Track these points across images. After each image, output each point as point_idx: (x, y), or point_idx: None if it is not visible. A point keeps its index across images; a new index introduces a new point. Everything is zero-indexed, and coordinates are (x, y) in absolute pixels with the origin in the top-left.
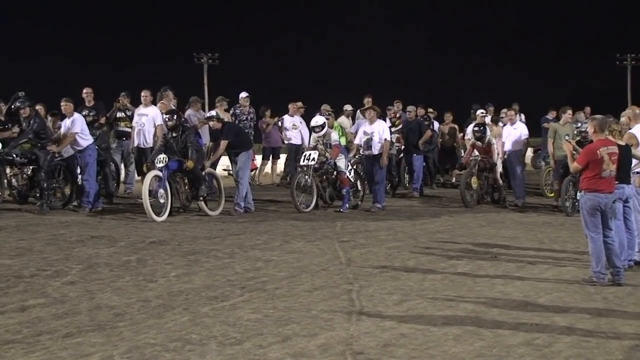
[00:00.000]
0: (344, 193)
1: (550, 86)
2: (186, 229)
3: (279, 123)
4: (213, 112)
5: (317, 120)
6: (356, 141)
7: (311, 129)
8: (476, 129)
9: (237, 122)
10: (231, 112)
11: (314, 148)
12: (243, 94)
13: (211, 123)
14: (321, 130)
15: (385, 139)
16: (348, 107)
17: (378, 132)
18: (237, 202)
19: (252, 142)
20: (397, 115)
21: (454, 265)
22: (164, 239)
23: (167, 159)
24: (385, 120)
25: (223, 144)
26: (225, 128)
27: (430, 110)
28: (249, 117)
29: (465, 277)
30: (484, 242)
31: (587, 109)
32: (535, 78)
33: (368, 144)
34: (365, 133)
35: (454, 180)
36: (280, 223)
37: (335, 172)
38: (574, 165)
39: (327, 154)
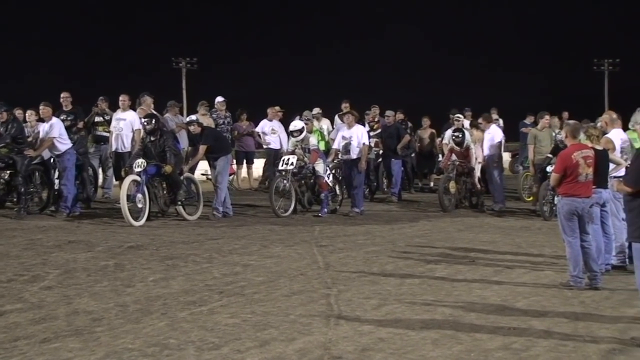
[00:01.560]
0: (322, 197)
1: (529, 91)
2: (164, 233)
3: (252, 129)
4: (193, 117)
5: (296, 124)
6: (335, 146)
7: (290, 134)
8: (455, 133)
9: (214, 126)
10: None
11: (293, 152)
12: (219, 99)
13: (191, 127)
14: (300, 134)
15: (364, 144)
16: (315, 111)
17: (356, 136)
18: (216, 206)
19: (230, 147)
20: (376, 120)
21: (432, 270)
22: (142, 244)
23: (145, 164)
24: (363, 125)
25: (202, 148)
26: (204, 133)
27: (401, 117)
28: (225, 122)
29: (443, 282)
30: (462, 246)
31: (565, 114)
32: (515, 83)
33: (346, 148)
34: (343, 137)
35: (432, 184)
36: (259, 227)
37: (313, 177)
38: (553, 177)
39: (305, 159)
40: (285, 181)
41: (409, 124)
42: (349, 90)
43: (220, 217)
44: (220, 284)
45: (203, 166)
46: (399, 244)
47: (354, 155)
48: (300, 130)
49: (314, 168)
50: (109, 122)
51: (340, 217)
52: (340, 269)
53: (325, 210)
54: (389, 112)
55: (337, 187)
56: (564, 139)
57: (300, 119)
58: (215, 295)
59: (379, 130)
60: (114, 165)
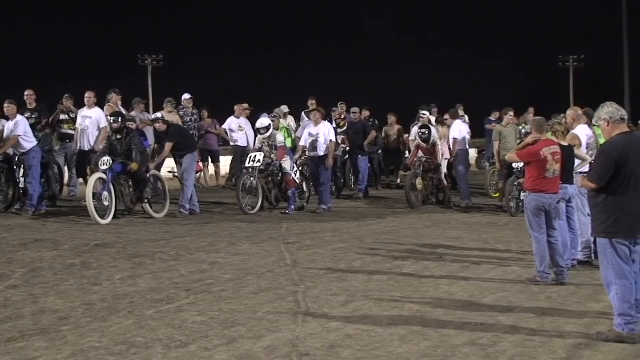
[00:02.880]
0: (289, 195)
1: (493, 87)
2: (131, 231)
3: (216, 127)
4: (158, 114)
5: (263, 122)
6: (301, 143)
7: (256, 131)
8: (422, 130)
9: (181, 123)
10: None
11: (260, 150)
12: (186, 96)
13: (156, 125)
14: (267, 132)
15: (331, 140)
16: (284, 108)
17: (323, 133)
18: (182, 204)
19: (197, 144)
20: (342, 117)
21: (399, 266)
22: (109, 242)
23: (111, 161)
24: (330, 122)
25: (168, 145)
26: (170, 130)
27: (367, 114)
28: (192, 119)
29: (410, 278)
30: (429, 242)
31: (531, 110)
32: (480, 79)
33: (313, 145)
34: (310, 135)
35: (399, 181)
36: (226, 225)
37: (280, 174)
38: (511, 156)
39: (272, 156)
40: (252, 178)
41: (376, 121)
42: (315, 88)
43: (187, 215)
44: (188, 281)
45: (170, 164)
46: (366, 241)
47: (321, 152)
48: (267, 128)
49: (281, 165)
50: (74, 120)
51: (308, 214)
52: (308, 266)
53: (293, 207)
54: (354, 109)
55: (304, 184)
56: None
57: (269, 116)
58: (183, 293)
59: (345, 127)
60: (77, 163)
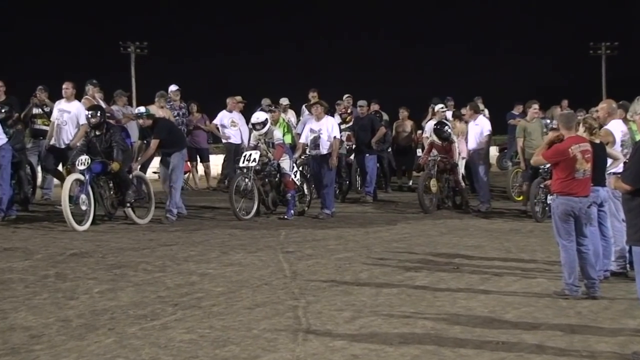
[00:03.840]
0: (288, 198)
1: (516, 78)
2: (111, 239)
3: (206, 122)
4: (142, 109)
5: (259, 116)
6: (302, 140)
7: (251, 126)
8: (437, 126)
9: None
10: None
11: (255, 147)
12: (173, 87)
13: (140, 121)
14: (263, 127)
15: (335, 137)
16: (284, 101)
17: (326, 129)
18: (170, 208)
19: (186, 141)
20: (348, 111)
21: (411, 278)
22: (87, 251)
23: (89, 161)
24: (334, 117)
25: (154, 143)
26: (156, 125)
27: (376, 108)
28: (180, 113)
29: (424, 291)
30: (444, 251)
31: (564, 102)
32: (500, 69)
33: (315, 142)
34: (311, 131)
35: (410, 183)
36: (218, 232)
37: (278, 175)
38: (537, 158)
39: (269, 155)
40: (246, 180)
41: (385, 116)
42: (318, 79)
43: (174, 221)
44: (175, 295)
45: (156, 164)
46: (374, 250)
47: (323, 150)
48: (264, 123)
49: (279, 165)
50: (48, 115)
51: (309, 220)
52: (309, 277)
53: (292, 212)
54: (361, 102)
55: (304, 186)
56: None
57: (267, 106)
58: (169, 308)
59: (351, 123)
60: (44, 159)
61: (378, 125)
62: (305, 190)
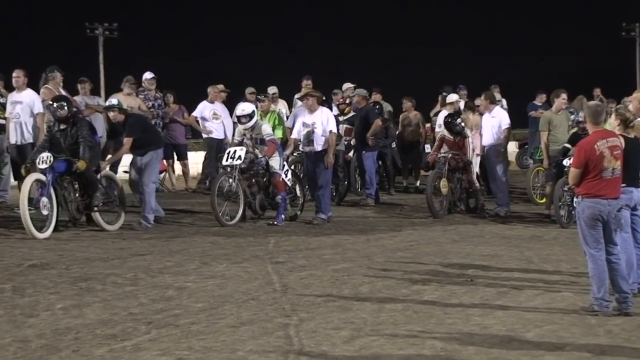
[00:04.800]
0: (278, 201)
1: (538, 64)
2: (76, 248)
3: (184, 115)
4: (114, 100)
5: (244, 107)
6: (293, 135)
7: (236, 119)
8: (448, 119)
9: (143, 109)
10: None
11: (240, 143)
12: (148, 75)
13: (111, 114)
14: (249, 120)
15: (331, 132)
16: (272, 90)
17: (321, 122)
18: (145, 214)
19: (162, 139)
20: (346, 102)
21: (418, 292)
22: (48, 262)
23: (52, 159)
24: (330, 109)
25: (127, 141)
26: (129, 121)
27: (378, 98)
28: (155, 104)
29: (433, 307)
30: (456, 262)
31: (597, 91)
32: (520, 55)
33: (309, 138)
34: (304, 125)
35: (418, 183)
36: (198, 240)
37: (267, 174)
38: (571, 173)
39: (256, 151)
40: (230, 180)
41: (388, 107)
42: (313, 66)
43: (149, 228)
44: (149, 312)
45: (127, 162)
46: (376, 260)
47: (318, 147)
48: (250, 115)
49: (267, 163)
50: (4, 106)
51: (302, 226)
52: (302, 291)
53: (282, 216)
54: (359, 91)
55: (297, 187)
56: (584, 124)
57: (247, 101)
58: (142, 327)
59: (350, 115)
60: (13, 162)
61: (373, 117)
62: (298, 192)
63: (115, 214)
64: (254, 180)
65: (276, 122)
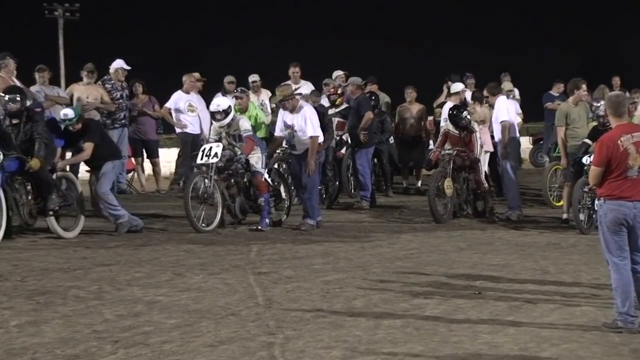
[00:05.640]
0: (261, 203)
1: (556, 49)
2: (33, 257)
3: (154, 107)
4: (69, 112)
5: (219, 102)
6: (277, 132)
7: (211, 116)
8: (452, 111)
9: (106, 99)
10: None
11: (218, 141)
12: (117, 64)
13: (70, 125)
14: (224, 117)
15: (311, 137)
16: (253, 78)
17: (299, 124)
18: (118, 214)
19: (120, 151)
20: (338, 92)
21: (420, 306)
22: (1, 273)
23: (1, 157)
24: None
25: (88, 146)
26: (89, 127)
27: (373, 88)
28: (123, 95)
29: (436, 323)
30: (462, 272)
31: (616, 80)
32: (535, 38)
33: (290, 141)
34: (286, 125)
35: (419, 184)
36: (170, 248)
37: (248, 174)
38: (591, 172)
39: (236, 148)
40: (207, 181)
41: (385, 98)
42: (304, 52)
43: (125, 231)
44: (115, 329)
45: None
46: (372, 270)
47: (301, 149)
48: (226, 112)
49: (247, 161)
50: None
51: (288, 232)
52: (288, 306)
53: (267, 221)
54: (352, 80)
55: (281, 189)
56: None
57: (225, 94)
58: (108, 346)
59: (343, 107)
60: None
61: (365, 109)
62: (283, 194)
63: (73, 218)
64: (232, 180)
65: (258, 119)
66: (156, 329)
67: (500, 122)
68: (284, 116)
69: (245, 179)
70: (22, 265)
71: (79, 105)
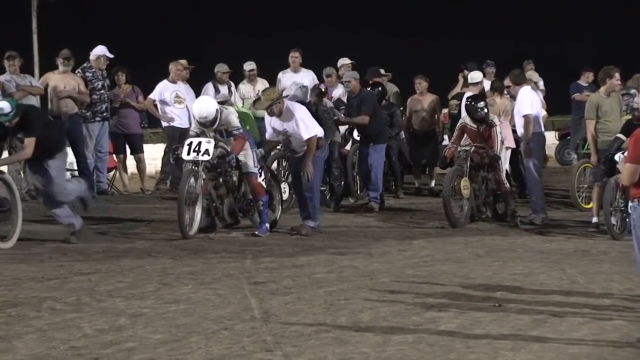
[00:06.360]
0: (260, 207)
1: (581, 34)
2: (2, 265)
3: (138, 98)
4: (4, 106)
5: (205, 112)
6: (267, 136)
7: (197, 124)
8: (468, 101)
9: (82, 88)
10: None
11: (200, 134)
12: (99, 50)
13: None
14: (213, 124)
15: (309, 139)
16: (248, 66)
17: (293, 129)
18: (70, 221)
19: (66, 143)
20: (322, 89)
21: (434, 320)
22: None
23: None
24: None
25: (29, 142)
26: (28, 119)
27: (382, 72)
28: (105, 85)
29: (452, 338)
30: (481, 282)
31: None
32: (560, 23)
33: (288, 146)
34: (275, 130)
35: (433, 184)
36: (156, 255)
37: (235, 173)
38: (625, 170)
39: (225, 145)
40: (192, 180)
41: (394, 88)
42: (301, 35)
43: (74, 237)
44: (95, 345)
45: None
46: (381, 280)
47: (302, 150)
48: (214, 120)
49: (237, 159)
50: None
51: (287, 237)
52: (288, 319)
53: (266, 226)
54: (350, 75)
55: (273, 189)
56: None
57: (216, 89)
58: None
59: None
60: None
61: (365, 109)
62: (275, 195)
63: (7, 224)
64: (221, 180)
65: (247, 123)
66: (140, 345)
67: (523, 116)
68: (271, 122)
69: (234, 178)
70: None
71: (20, 95)
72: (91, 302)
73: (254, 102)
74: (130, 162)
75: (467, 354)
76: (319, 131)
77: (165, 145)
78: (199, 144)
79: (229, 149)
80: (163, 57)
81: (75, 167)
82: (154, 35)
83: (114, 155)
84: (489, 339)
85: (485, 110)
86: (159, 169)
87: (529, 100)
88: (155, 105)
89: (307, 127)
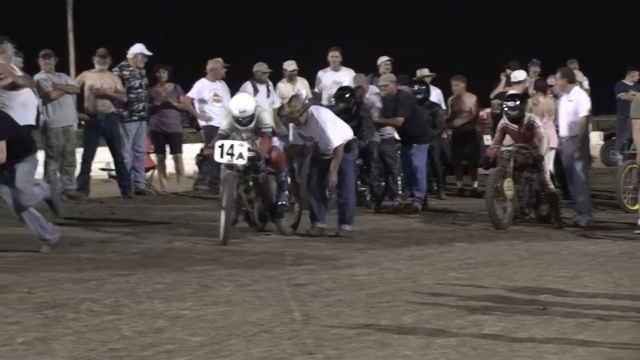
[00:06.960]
0: (282, 178)
1: (625, 32)
2: (40, 266)
3: (179, 97)
4: None
5: (244, 107)
6: (290, 139)
7: (234, 120)
8: (510, 102)
9: (120, 88)
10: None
11: (228, 135)
12: (136, 48)
13: None
14: (251, 121)
15: (336, 148)
16: (289, 66)
17: (320, 137)
18: (42, 235)
19: (35, 144)
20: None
21: (477, 323)
22: (6, 284)
23: None
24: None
25: (1, 145)
26: None
27: (427, 73)
28: (142, 83)
29: (495, 342)
30: (525, 285)
31: None
32: (605, 21)
33: (317, 151)
34: (301, 136)
35: (475, 185)
36: (195, 256)
37: (263, 175)
38: None
39: (255, 148)
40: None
41: (435, 90)
42: (341, 33)
43: (53, 246)
44: (134, 347)
45: (105, 157)
46: (423, 282)
47: (329, 154)
48: (252, 116)
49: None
50: None
51: (326, 239)
52: (329, 322)
53: (286, 194)
54: (385, 79)
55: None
56: None
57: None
58: None
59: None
60: None
61: (402, 112)
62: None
63: None
64: (251, 184)
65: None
66: (180, 347)
67: (583, 116)
68: (296, 129)
69: (262, 180)
70: (28, 275)
71: (57, 94)
72: (130, 304)
73: (279, 109)
74: (168, 162)
75: (512, 358)
76: (347, 135)
77: (202, 145)
78: (231, 146)
79: (258, 152)
80: (200, 54)
81: (113, 167)
82: (194, 33)
83: (152, 155)
84: (533, 342)
85: (516, 110)
86: (196, 169)
87: (589, 101)
88: (193, 104)
89: (334, 134)
